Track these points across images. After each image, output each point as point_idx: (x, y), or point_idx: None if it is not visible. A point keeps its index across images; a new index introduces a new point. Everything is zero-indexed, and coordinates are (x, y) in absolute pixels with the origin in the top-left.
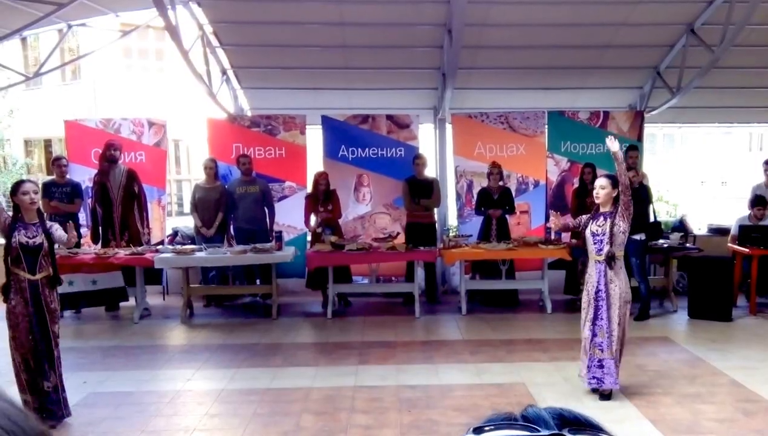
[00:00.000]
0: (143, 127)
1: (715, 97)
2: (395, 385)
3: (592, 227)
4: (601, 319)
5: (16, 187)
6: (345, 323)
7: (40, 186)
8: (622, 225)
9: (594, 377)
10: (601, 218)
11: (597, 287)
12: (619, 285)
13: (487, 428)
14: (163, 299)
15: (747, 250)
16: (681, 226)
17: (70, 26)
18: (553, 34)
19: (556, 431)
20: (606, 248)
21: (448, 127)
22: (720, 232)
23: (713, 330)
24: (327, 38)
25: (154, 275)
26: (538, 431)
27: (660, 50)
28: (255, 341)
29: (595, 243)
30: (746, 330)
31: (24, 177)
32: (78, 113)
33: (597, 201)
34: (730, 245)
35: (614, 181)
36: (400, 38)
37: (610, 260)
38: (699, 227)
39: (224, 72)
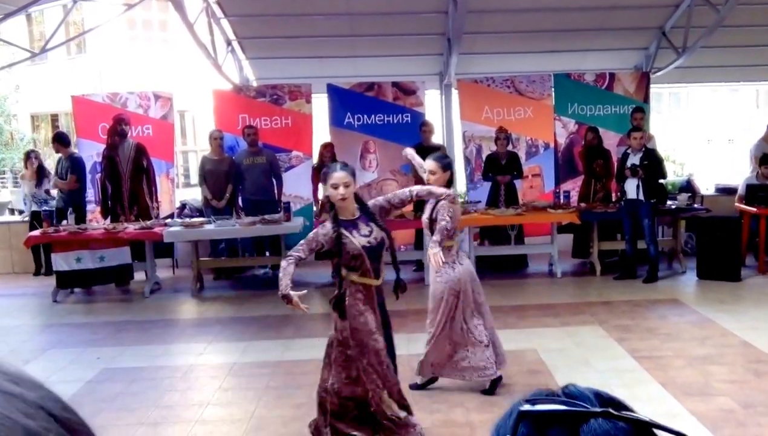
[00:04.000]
0: (149, 100)
1: (721, 56)
2: (406, 354)
3: (424, 215)
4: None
5: None
6: None
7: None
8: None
9: None
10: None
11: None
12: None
13: (539, 401)
14: (173, 272)
15: (754, 209)
16: (688, 186)
17: (75, 1)
18: None
19: (604, 409)
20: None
21: (455, 93)
22: (727, 191)
23: (722, 291)
24: (331, 6)
25: (163, 249)
26: (586, 407)
27: (665, 10)
28: (266, 312)
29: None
30: (755, 290)
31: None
32: (84, 87)
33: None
34: (737, 204)
35: (445, 164)
36: (404, 4)
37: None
38: (706, 187)
39: (229, 43)
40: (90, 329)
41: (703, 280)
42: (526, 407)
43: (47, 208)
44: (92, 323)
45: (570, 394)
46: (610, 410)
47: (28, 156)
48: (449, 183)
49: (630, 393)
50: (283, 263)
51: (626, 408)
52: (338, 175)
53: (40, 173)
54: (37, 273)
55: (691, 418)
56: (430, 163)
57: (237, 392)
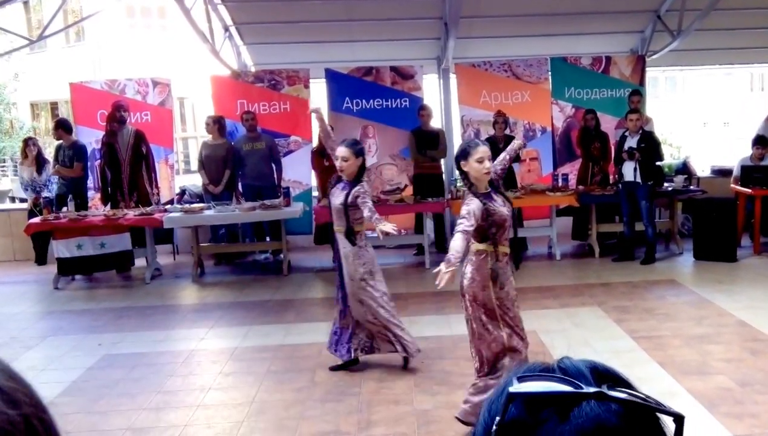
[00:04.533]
0: (148, 87)
1: (716, 38)
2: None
3: (334, 199)
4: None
5: None
6: None
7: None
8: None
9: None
10: (339, 189)
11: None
12: (355, 264)
13: (530, 377)
14: (174, 258)
15: (749, 190)
16: (684, 168)
17: None
18: None
19: (598, 389)
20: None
21: (452, 77)
22: (723, 173)
23: (719, 271)
24: None
25: (164, 235)
26: (581, 387)
27: None
28: (267, 297)
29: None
30: (751, 270)
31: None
32: (83, 74)
33: (341, 174)
34: (732, 185)
35: (357, 151)
36: None
37: (349, 235)
38: (702, 169)
39: (226, 29)
40: (91, 316)
41: (700, 261)
42: (515, 387)
43: (48, 196)
44: (93, 309)
45: (565, 369)
46: (604, 390)
47: (27, 143)
48: (361, 169)
49: (629, 373)
50: (458, 237)
51: (623, 382)
52: (483, 148)
53: (39, 160)
54: (40, 262)
55: (689, 396)
56: (342, 150)
57: (238, 377)
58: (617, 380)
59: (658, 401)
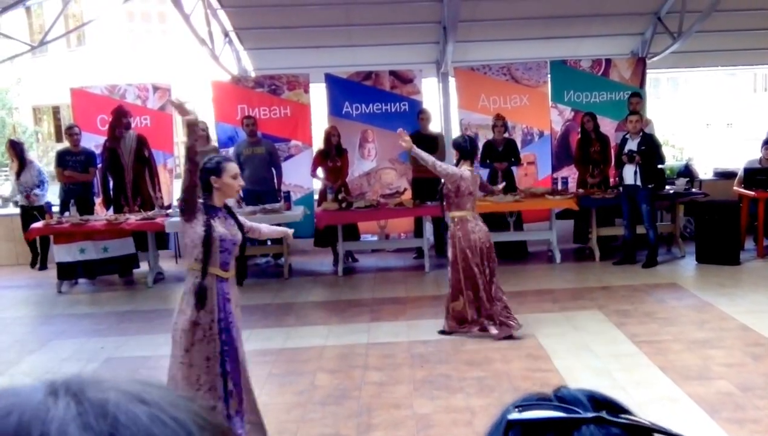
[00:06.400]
0: (148, 91)
1: (718, 40)
2: (407, 341)
3: (219, 228)
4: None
5: None
6: (356, 281)
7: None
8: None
9: None
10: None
11: (218, 312)
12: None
13: (528, 406)
14: (176, 262)
15: (753, 193)
16: (687, 171)
17: None
18: None
19: (596, 414)
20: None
21: (452, 81)
22: (726, 175)
23: (721, 274)
24: None
25: (166, 239)
26: (578, 413)
27: None
28: (267, 301)
29: (222, 251)
30: (754, 273)
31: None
32: (84, 78)
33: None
34: (735, 188)
35: None
36: None
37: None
38: (705, 172)
39: (226, 34)
40: (93, 320)
41: (702, 264)
42: (515, 415)
43: (39, 194)
44: (96, 313)
45: (562, 398)
46: (604, 415)
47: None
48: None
49: (629, 377)
50: None
51: (623, 410)
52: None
53: (22, 161)
54: (40, 267)
55: (690, 401)
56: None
57: None
58: (615, 407)
59: (658, 424)
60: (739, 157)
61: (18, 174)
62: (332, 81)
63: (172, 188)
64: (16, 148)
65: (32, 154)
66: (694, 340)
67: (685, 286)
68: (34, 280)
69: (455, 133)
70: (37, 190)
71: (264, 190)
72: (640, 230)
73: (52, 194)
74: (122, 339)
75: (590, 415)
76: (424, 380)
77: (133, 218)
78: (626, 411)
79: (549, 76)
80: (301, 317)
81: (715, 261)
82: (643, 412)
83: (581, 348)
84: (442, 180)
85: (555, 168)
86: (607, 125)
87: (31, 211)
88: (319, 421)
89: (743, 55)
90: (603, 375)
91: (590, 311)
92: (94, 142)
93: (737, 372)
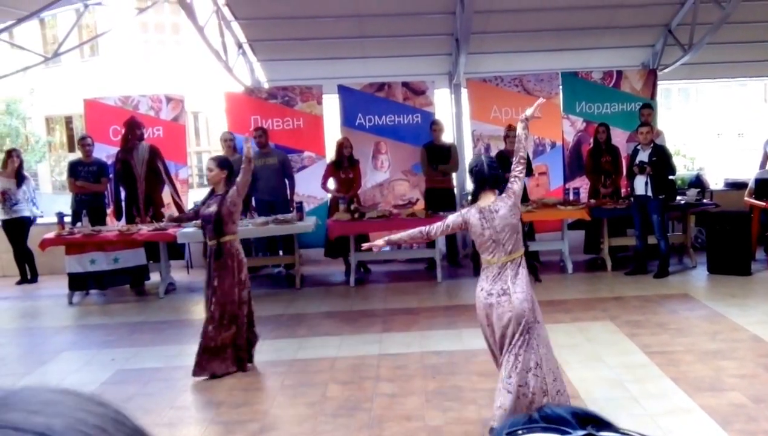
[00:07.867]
0: (161, 102)
1: (728, 52)
2: (419, 351)
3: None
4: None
5: None
6: (368, 291)
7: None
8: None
9: None
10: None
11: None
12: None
13: (519, 432)
14: (188, 272)
15: (764, 203)
16: (698, 181)
17: (86, 6)
18: None
19: (585, 432)
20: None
21: (464, 92)
22: (737, 186)
23: (733, 285)
24: (340, 8)
25: (177, 250)
26: (568, 432)
27: (671, 8)
28: (279, 312)
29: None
30: (765, 284)
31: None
32: (97, 89)
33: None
34: (746, 198)
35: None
36: (412, 5)
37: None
38: (716, 182)
39: (240, 45)
40: (105, 331)
41: (714, 274)
42: None
43: (18, 208)
44: (107, 324)
45: (547, 417)
46: (591, 431)
47: (10, 155)
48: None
49: (641, 388)
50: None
51: (606, 424)
52: None
53: (20, 174)
54: (30, 279)
55: (702, 413)
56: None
57: (251, 392)
58: (600, 422)
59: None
60: (750, 168)
61: (17, 184)
62: (345, 92)
63: (186, 198)
64: (17, 158)
65: (44, 165)
66: (706, 351)
67: (697, 296)
68: (45, 290)
69: (468, 143)
70: (18, 207)
71: (276, 200)
72: (652, 240)
73: (63, 205)
74: (133, 350)
75: (580, 433)
76: (437, 391)
77: (145, 229)
78: (609, 425)
79: (561, 87)
80: (313, 327)
81: (727, 271)
82: (656, 423)
83: (593, 359)
84: None
85: (567, 178)
86: (619, 136)
87: (12, 224)
88: (331, 433)
89: (754, 67)
90: (616, 386)
91: (602, 322)
92: (106, 152)
93: (749, 383)
